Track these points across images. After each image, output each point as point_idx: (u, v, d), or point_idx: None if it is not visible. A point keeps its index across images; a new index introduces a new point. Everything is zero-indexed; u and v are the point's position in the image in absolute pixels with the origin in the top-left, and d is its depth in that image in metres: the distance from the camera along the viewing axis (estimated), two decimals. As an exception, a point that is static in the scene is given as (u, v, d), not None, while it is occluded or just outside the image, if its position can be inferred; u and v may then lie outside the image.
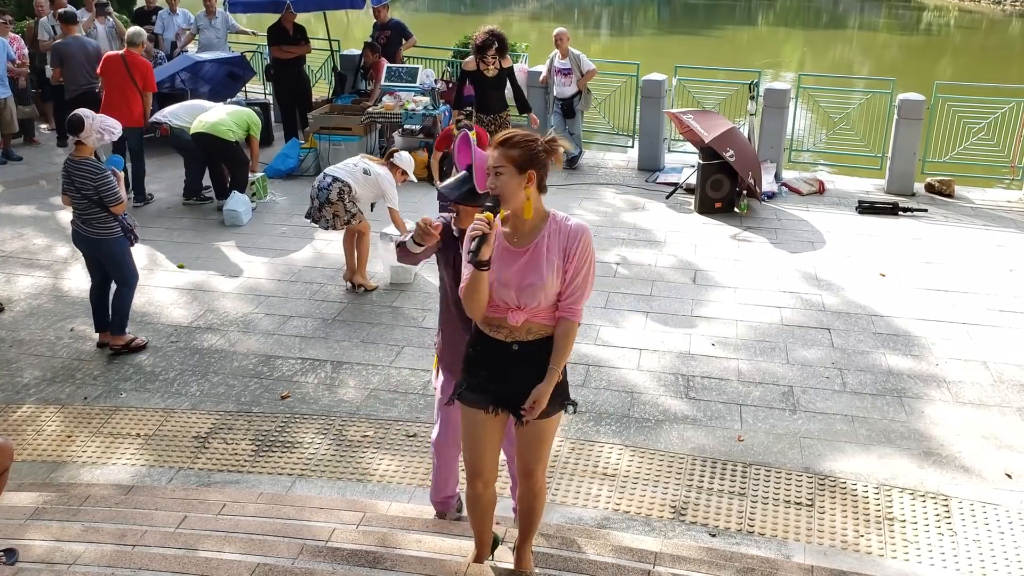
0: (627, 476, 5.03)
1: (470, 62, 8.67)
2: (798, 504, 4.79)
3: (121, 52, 9.38)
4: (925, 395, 5.89)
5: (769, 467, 5.11)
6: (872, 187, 10.38)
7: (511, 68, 8.78)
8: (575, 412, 3.57)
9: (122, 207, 6.22)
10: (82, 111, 6.27)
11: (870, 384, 6.02)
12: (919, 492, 4.89)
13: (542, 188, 3.32)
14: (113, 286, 6.52)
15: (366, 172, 7.25)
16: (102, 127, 6.24)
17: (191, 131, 9.09)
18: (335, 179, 7.19)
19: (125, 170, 9.83)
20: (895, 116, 10.10)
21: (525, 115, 8.91)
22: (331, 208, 7.20)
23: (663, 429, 5.49)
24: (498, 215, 3.23)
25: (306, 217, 7.51)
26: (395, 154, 7.45)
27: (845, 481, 4.98)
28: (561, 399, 3.45)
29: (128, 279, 6.48)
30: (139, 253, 7.48)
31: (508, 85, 8.81)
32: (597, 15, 39.65)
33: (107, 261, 6.41)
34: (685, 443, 5.35)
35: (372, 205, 7.61)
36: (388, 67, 11.23)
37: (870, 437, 5.40)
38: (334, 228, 7.37)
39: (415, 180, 7.84)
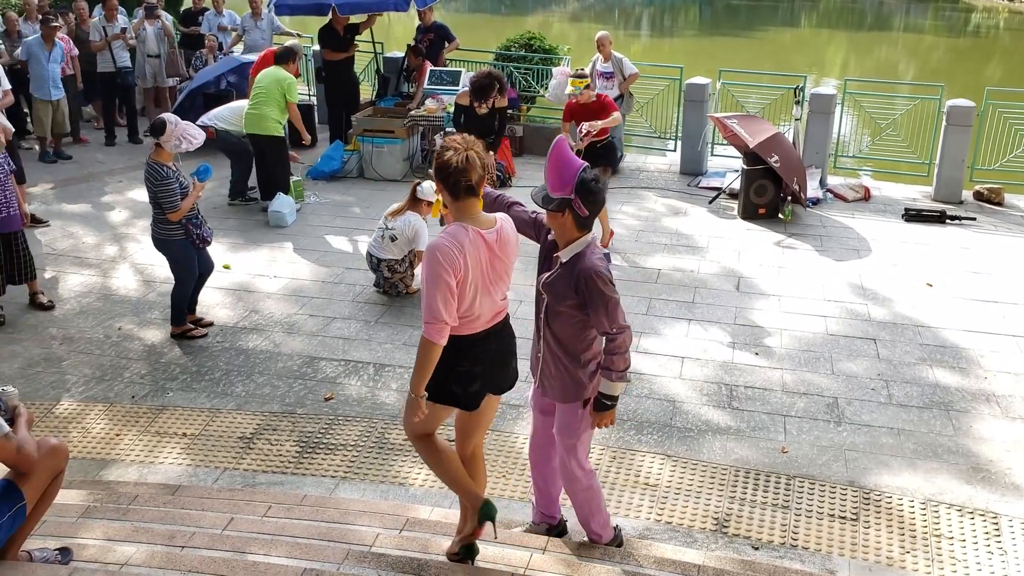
0: (669, 487, 5.00)
1: (464, 95, 8.69)
2: (843, 518, 4.73)
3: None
4: (973, 409, 5.79)
5: (813, 480, 5.05)
6: (919, 194, 10.23)
7: (504, 108, 8.75)
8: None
9: (178, 215, 6.34)
10: (167, 115, 6.40)
11: (916, 397, 5.93)
12: (967, 509, 4.81)
13: (454, 194, 3.47)
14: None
15: (393, 239, 7.26)
16: (183, 134, 6.27)
17: (246, 132, 9.19)
18: (379, 260, 7.33)
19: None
20: (943, 122, 9.93)
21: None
22: (394, 278, 7.41)
23: (705, 439, 5.46)
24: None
25: (377, 286, 7.59)
26: (418, 187, 7.29)
27: (891, 496, 4.91)
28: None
29: (182, 277, 6.68)
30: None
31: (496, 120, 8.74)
32: (638, 16, 39.47)
33: (167, 259, 6.70)
34: (728, 454, 5.31)
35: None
36: (431, 70, 11.27)
37: (916, 451, 5.32)
38: (408, 287, 7.50)
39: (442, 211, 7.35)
